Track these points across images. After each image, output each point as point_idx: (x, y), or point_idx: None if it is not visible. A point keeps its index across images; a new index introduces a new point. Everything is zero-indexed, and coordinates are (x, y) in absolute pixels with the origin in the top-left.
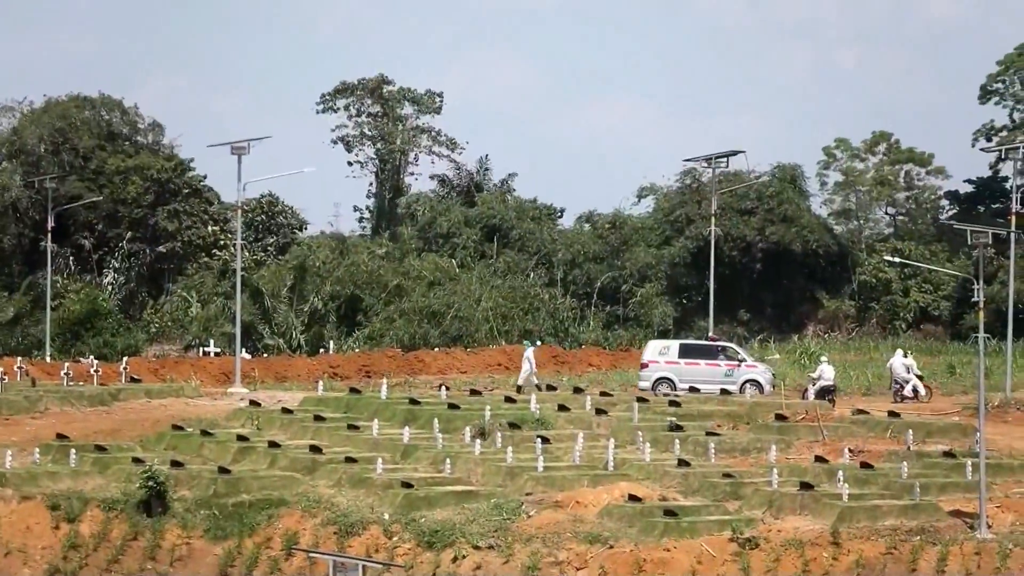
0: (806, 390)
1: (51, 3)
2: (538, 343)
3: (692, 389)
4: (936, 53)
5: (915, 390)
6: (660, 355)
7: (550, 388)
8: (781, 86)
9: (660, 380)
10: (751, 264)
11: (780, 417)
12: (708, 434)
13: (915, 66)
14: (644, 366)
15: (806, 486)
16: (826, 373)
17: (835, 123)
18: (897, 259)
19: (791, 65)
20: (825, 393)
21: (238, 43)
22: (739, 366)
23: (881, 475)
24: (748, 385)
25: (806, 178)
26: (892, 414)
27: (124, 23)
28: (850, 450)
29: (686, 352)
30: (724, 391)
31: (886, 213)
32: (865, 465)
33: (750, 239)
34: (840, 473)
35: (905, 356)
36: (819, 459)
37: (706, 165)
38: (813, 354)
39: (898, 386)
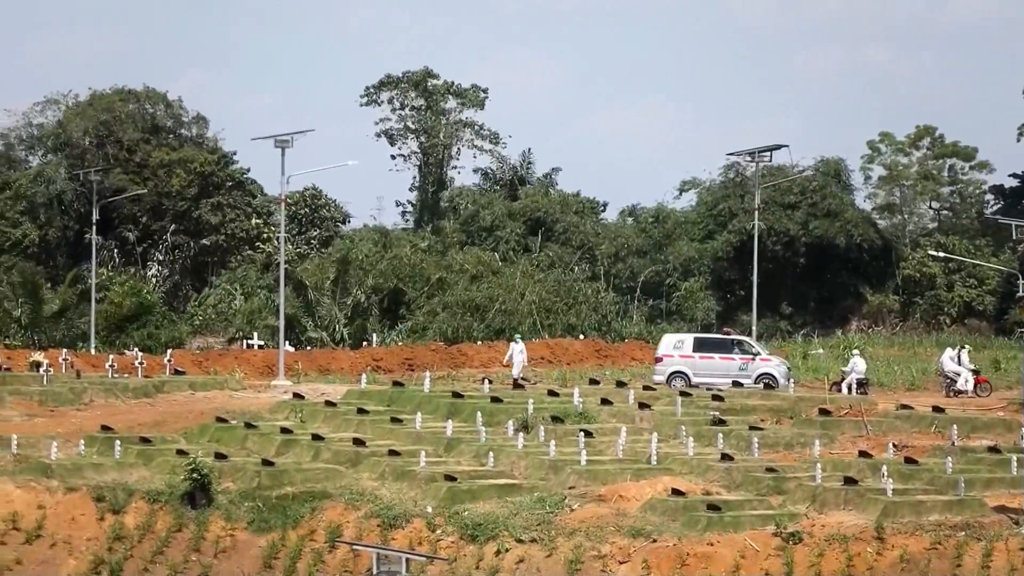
0: (839, 383)
1: None
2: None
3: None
4: (974, 48)
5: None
6: (675, 349)
7: (593, 382)
8: (815, 84)
9: (674, 374)
10: (794, 258)
11: (824, 412)
12: (751, 428)
13: (952, 62)
14: (658, 360)
15: (850, 481)
16: (858, 366)
17: (872, 120)
18: (941, 254)
19: (824, 63)
20: (858, 386)
21: (278, 37)
22: (753, 360)
23: (925, 470)
24: (763, 379)
25: (850, 172)
26: (936, 409)
27: (165, 17)
28: (894, 445)
29: (700, 346)
30: (736, 384)
31: (930, 207)
32: (909, 460)
33: (794, 233)
34: (884, 468)
35: (960, 349)
36: (863, 454)
37: (749, 159)
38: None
39: (948, 380)
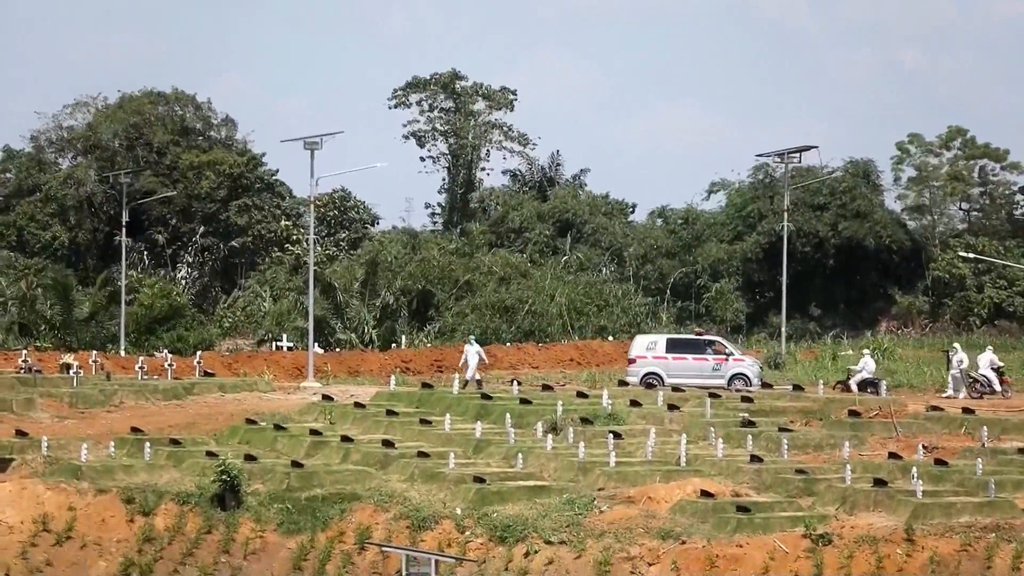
0: (845, 381)
1: (122, 1)
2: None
3: (675, 389)
4: (1005, 49)
5: (987, 384)
6: (647, 350)
7: (622, 384)
8: (847, 86)
9: (648, 375)
10: (824, 260)
11: (853, 413)
12: (781, 430)
13: (983, 64)
14: (631, 361)
15: (880, 482)
16: (868, 365)
17: (904, 122)
18: (971, 255)
19: (856, 65)
20: (867, 385)
21: (308, 39)
22: (727, 360)
23: (955, 472)
24: (736, 380)
25: (880, 173)
26: (967, 410)
27: (195, 20)
28: (924, 446)
29: (673, 347)
30: (675, 389)
31: (960, 209)
32: (939, 462)
33: (823, 235)
34: (914, 469)
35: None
36: (893, 455)
37: (778, 160)
38: (887, 350)
39: (972, 380)
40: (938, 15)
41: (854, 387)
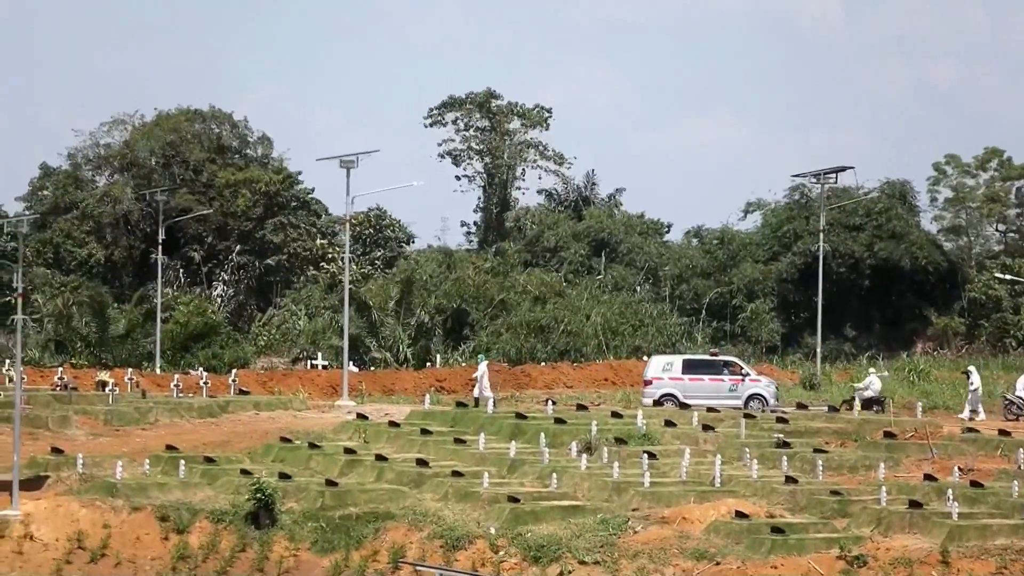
0: (850, 400)
1: (157, 18)
2: (482, 357)
3: (710, 410)
4: None
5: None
6: (664, 371)
7: (657, 404)
8: (881, 103)
9: (665, 396)
10: (859, 280)
11: (889, 435)
12: (816, 451)
13: (1019, 82)
14: (647, 383)
15: (915, 504)
16: (874, 384)
17: (940, 141)
18: (1007, 276)
19: (890, 82)
20: (872, 404)
21: (344, 56)
22: (743, 380)
23: (991, 494)
24: (752, 400)
25: (916, 194)
26: (1003, 432)
27: (231, 37)
28: (960, 468)
29: (689, 367)
30: (710, 409)
31: (996, 230)
32: (975, 484)
33: (858, 255)
34: (950, 491)
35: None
36: (928, 477)
37: (814, 180)
38: (922, 371)
39: (1008, 402)
40: (973, 31)
41: (858, 404)
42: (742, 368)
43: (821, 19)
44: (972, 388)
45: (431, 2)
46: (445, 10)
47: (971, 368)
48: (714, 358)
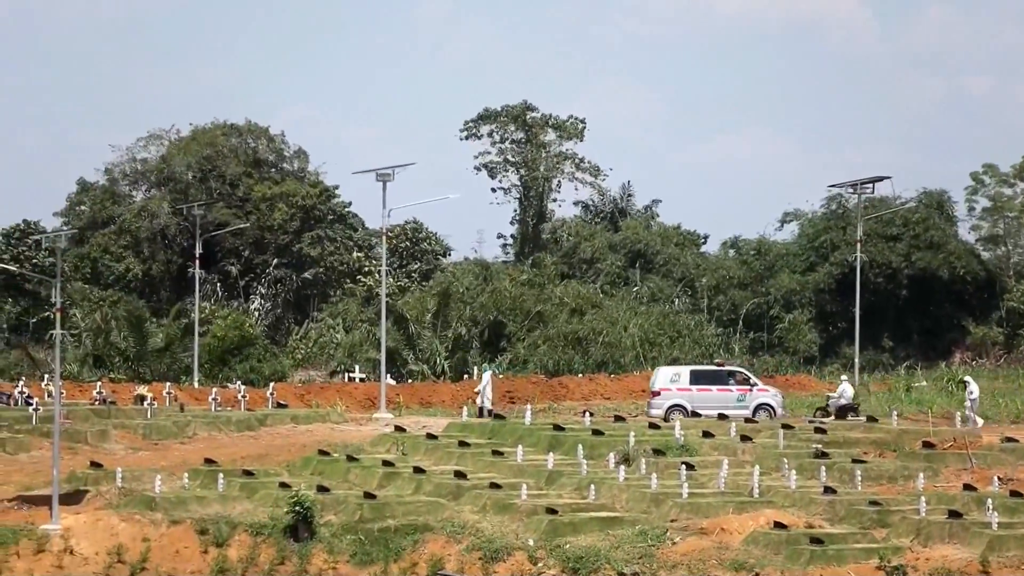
0: (824, 408)
1: (193, 34)
2: (486, 367)
3: (748, 420)
4: None
5: None
6: (671, 382)
7: (694, 414)
8: (916, 115)
9: (673, 407)
10: (897, 291)
11: (928, 445)
12: (854, 461)
13: None
14: (655, 394)
15: (955, 514)
16: (846, 392)
17: (973, 150)
18: None
19: (924, 93)
20: (847, 411)
21: (379, 70)
22: (751, 390)
23: None
24: (760, 410)
25: (953, 204)
26: None
27: (266, 52)
28: (999, 478)
29: (697, 378)
30: (721, 415)
31: None
32: (1015, 493)
33: (896, 265)
34: (989, 501)
35: None
36: (968, 487)
37: (851, 191)
38: (960, 381)
39: None
40: (1006, 43)
41: (831, 411)
42: (749, 378)
43: (855, 33)
44: (972, 397)
45: (464, 18)
46: (477, 26)
47: (968, 378)
48: (721, 368)
